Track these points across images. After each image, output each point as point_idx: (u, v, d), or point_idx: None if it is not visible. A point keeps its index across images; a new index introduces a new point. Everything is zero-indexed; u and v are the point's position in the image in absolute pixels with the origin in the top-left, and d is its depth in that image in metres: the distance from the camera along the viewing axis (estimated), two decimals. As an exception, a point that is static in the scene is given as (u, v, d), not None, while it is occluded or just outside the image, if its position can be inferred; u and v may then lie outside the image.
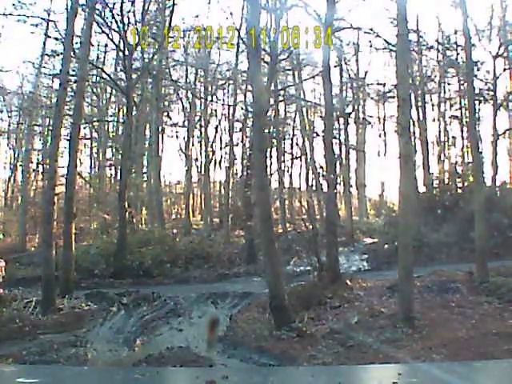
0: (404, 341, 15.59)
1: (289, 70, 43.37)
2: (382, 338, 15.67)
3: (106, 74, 40.11)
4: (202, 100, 50.76)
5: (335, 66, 43.30)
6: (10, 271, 29.66)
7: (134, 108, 38.67)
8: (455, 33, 42.54)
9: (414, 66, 42.75)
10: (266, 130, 29.34)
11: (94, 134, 51.69)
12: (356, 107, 51.61)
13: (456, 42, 42.85)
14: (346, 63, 48.39)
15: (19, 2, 32.74)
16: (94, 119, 46.86)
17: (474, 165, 25.84)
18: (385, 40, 34.11)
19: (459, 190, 36.70)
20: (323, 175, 31.31)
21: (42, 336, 18.32)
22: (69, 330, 19.15)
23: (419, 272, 21.86)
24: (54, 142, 24.07)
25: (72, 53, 28.15)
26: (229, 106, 48.76)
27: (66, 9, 27.11)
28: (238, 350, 16.62)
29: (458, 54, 43.56)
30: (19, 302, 21.76)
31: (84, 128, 50.06)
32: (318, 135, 45.03)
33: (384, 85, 48.40)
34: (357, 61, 50.31)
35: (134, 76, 36.94)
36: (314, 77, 43.60)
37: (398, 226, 19.68)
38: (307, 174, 51.51)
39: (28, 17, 34.26)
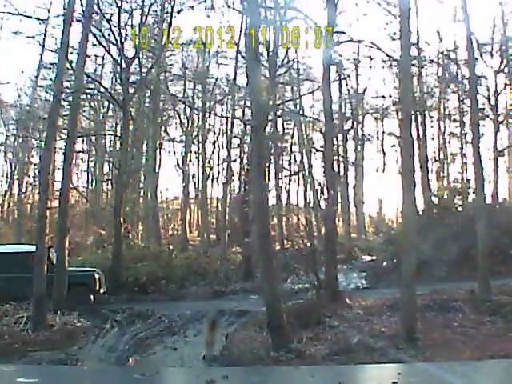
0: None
1: (287, 84, 43.15)
2: (384, 360, 15.11)
3: (103, 86, 39.85)
4: (200, 115, 50.53)
5: (333, 81, 43.00)
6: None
7: (131, 122, 38.37)
8: (455, 49, 42.34)
9: (414, 81, 42.50)
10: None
11: (92, 149, 51.47)
12: (355, 125, 51.40)
13: (456, 58, 42.64)
14: (345, 79, 48.14)
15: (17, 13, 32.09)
16: (91, 132, 46.57)
17: (476, 181, 25.34)
18: (386, 54, 33.75)
19: (459, 208, 36.31)
20: (321, 191, 30.89)
21: (32, 353, 17.71)
22: (60, 348, 18.48)
23: (419, 290, 21.12)
24: (47, 155, 23.56)
25: (68, 64, 27.85)
26: (227, 117, 48.45)
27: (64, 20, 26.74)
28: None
29: (458, 69, 43.35)
30: (10, 318, 21.23)
31: (82, 142, 50.02)
32: (318, 151, 44.67)
33: (384, 97, 48.11)
34: (357, 76, 50.19)
35: (131, 90, 36.65)
36: (313, 91, 43.41)
37: (401, 243, 19.30)
38: (305, 190, 51.23)
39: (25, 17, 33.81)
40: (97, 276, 27.36)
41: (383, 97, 46.74)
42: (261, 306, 20.67)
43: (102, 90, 39.81)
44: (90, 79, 37.23)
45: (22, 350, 18.05)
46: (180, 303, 27.44)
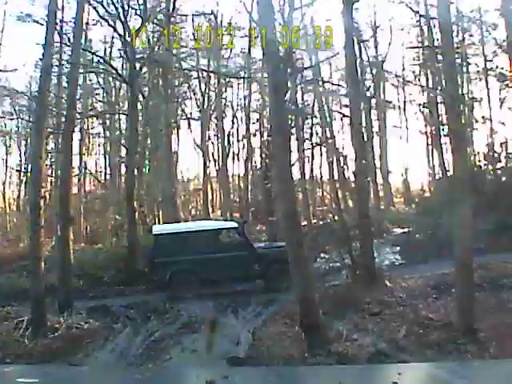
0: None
1: (304, 50, 41.07)
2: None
3: (107, 62, 38.04)
4: (216, 90, 48.88)
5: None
6: (13, 282, 27.30)
7: (142, 100, 36.51)
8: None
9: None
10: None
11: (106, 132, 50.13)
12: (376, 92, 49.63)
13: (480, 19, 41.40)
14: (363, 43, 46.13)
15: None
16: (90, 112, 45.12)
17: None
18: (411, 9, 31.64)
19: (496, 173, 34.10)
20: (345, 162, 28.88)
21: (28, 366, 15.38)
22: (61, 357, 16.12)
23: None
24: (38, 137, 21.04)
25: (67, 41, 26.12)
26: (243, 77, 46.44)
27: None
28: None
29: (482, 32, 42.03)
30: (10, 322, 18.91)
31: (96, 125, 48.58)
32: (344, 116, 42.57)
33: (420, 47, 46.47)
34: (375, 38, 48.65)
35: (138, 66, 34.63)
36: (333, 56, 41.04)
37: (439, 214, 17.07)
38: (330, 162, 49.28)
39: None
40: None
41: (419, 47, 45.10)
42: (289, 293, 18.94)
43: (107, 67, 38.06)
44: (94, 56, 35.91)
45: (16, 364, 15.72)
46: (201, 291, 25.14)
